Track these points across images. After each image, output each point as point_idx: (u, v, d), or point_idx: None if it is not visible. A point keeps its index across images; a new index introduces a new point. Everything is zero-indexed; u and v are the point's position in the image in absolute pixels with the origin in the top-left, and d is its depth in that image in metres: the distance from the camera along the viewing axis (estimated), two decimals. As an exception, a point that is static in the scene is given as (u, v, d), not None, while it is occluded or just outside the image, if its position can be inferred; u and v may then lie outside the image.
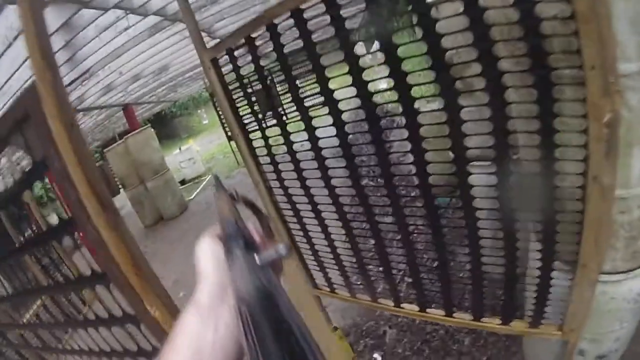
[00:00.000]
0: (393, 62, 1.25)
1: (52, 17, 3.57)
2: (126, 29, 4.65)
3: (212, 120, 23.85)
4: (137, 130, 9.69)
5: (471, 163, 1.28)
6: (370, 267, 1.94)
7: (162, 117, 24.04)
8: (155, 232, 9.19)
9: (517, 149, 1.25)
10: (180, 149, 12.64)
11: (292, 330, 0.38)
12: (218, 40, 2.04)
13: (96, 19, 4.12)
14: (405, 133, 1.34)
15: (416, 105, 1.28)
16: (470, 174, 1.29)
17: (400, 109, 1.31)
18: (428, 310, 1.82)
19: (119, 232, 1.37)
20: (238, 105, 1.96)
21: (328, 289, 2.21)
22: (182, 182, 11.79)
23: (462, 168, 1.30)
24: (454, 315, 1.72)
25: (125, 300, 1.47)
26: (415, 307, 1.85)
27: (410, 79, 1.25)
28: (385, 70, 1.27)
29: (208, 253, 0.58)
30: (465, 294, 1.69)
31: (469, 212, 1.37)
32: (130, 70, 7.13)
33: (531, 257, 1.49)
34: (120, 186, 10.50)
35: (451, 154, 1.28)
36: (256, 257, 0.51)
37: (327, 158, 1.67)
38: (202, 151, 14.74)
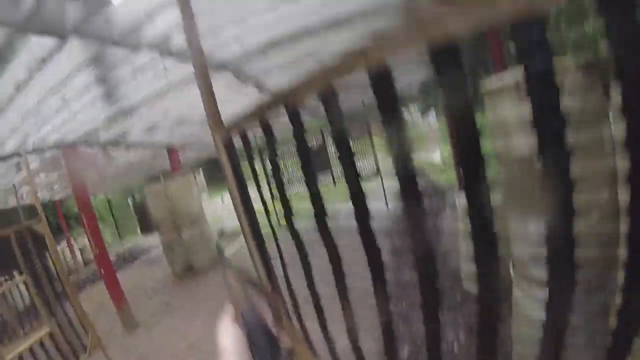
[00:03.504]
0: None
1: (77, 51, 3.32)
2: (164, 72, 4.37)
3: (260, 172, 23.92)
4: (178, 175, 9.54)
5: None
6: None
7: (212, 161, 24.32)
8: (183, 283, 8.74)
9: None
10: (222, 199, 12.37)
11: None
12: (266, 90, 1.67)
13: (129, 58, 3.86)
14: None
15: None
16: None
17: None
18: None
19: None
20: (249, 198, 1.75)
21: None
22: (221, 234, 11.35)
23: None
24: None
25: None
26: None
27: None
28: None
29: (230, 336, 0.63)
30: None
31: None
32: (174, 114, 6.96)
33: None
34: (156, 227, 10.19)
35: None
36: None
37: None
38: (247, 201, 14.42)
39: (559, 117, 0.78)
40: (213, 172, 24.79)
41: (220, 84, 5.04)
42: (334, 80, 1.26)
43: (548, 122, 0.80)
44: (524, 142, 1.02)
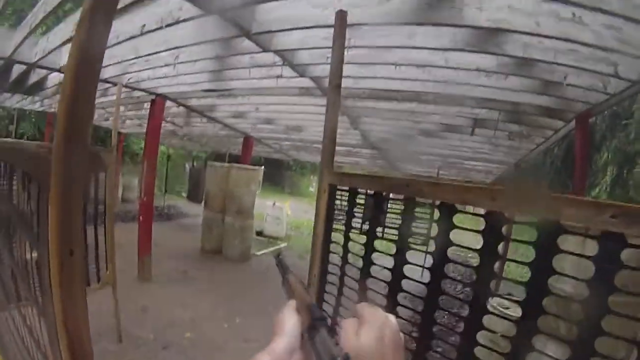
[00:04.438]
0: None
1: (213, 27, 3.40)
2: (278, 77, 4.43)
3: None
4: (245, 166, 9.69)
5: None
6: None
7: (277, 162, 24.74)
8: (208, 261, 8.73)
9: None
10: (274, 203, 12.24)
11: None
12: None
13: (254, 53, 3.93)
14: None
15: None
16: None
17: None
18: None
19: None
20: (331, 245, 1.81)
21: None
22: (259, 234, 11.38)
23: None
24: None
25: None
26: None
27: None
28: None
29: (290, 319, 0.65)
30: None
31: None
32: (266, 112, 7.08)
33: None
34: (204, 199, 10.40)
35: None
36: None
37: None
38: (293, 216, 14.12)
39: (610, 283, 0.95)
40: (272, 174, 25.21)
41: (322, 102, 5.09)
42: (455, 197, 1.27)
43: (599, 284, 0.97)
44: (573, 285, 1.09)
